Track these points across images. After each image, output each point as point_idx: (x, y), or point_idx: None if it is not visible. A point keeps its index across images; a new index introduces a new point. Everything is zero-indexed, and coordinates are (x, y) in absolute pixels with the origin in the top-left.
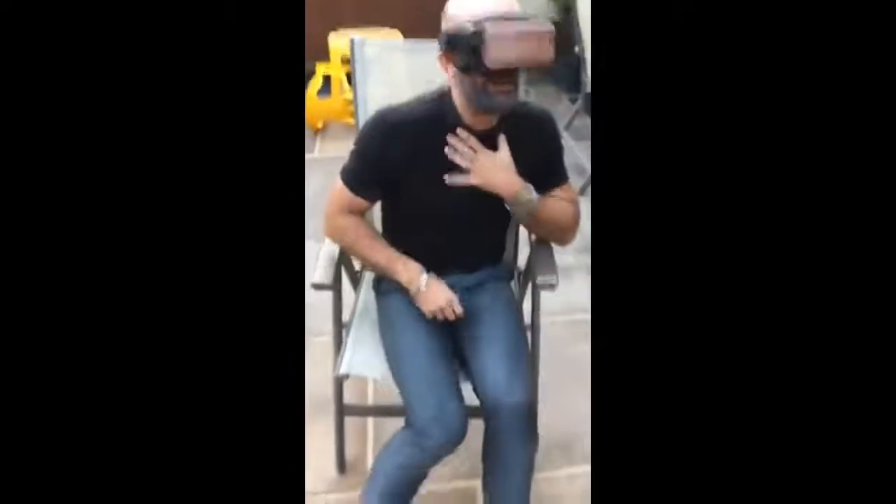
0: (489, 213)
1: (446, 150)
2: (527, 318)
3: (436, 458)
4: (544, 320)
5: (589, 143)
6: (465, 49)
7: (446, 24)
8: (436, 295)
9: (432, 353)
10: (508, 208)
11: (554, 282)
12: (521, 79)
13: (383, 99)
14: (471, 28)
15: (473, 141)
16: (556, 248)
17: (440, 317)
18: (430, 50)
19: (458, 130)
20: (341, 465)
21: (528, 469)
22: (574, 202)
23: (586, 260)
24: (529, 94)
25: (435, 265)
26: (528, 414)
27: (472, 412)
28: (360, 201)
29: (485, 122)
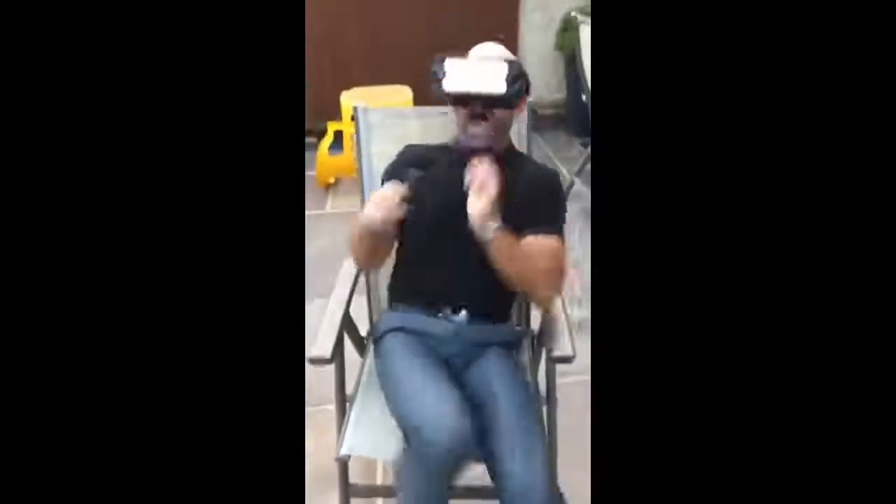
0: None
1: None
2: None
3: (445, 469)
4: (563, 380)
5: None
6: (433, 75)
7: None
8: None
9: (430, 376)
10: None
11: (570, 353)
12: (500, 125)
13: (389, 154)
14: (435, 60)
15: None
16: (569, 303)
17: (381, 212)
18: (432, 115)
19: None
20: None
21: None
22: (554, 254)
23: None
24: (541, 140)
25: (437, 297)
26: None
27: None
28: (393, 187)
29: (484, 152)
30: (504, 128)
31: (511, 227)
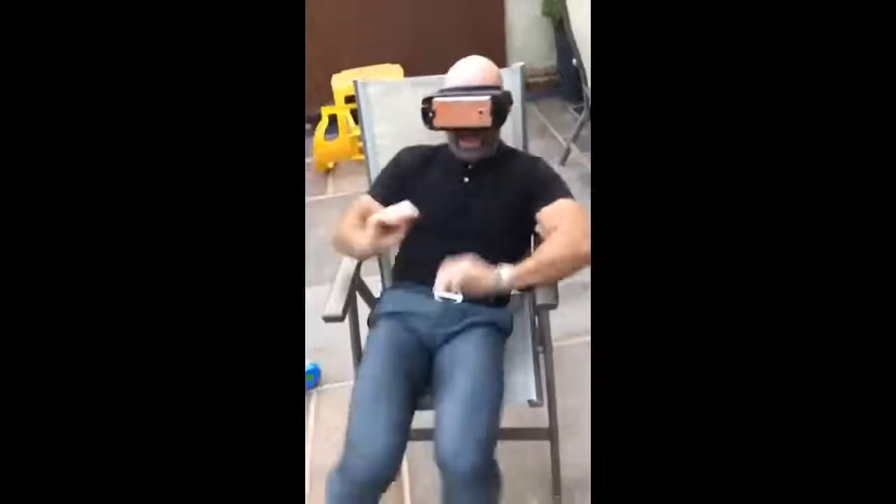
0: (486, 233)
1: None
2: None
3: (359, 492)
4: (566, 342)
5: None
6: (423, 112)
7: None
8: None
9: (381, 388)
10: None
11: (553, 301)
12: (488, 139)
13: (390, 134)
14: (426, 96)
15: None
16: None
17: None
18: (429, 84)
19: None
20: None
21: None
22: (572, 215)
23: None
24: (535, 109)
25: (430, 274)
26: (479, 475)
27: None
28: (371, 202)
29: (471, 158)
30: (493, 139)
31: (514, 211)
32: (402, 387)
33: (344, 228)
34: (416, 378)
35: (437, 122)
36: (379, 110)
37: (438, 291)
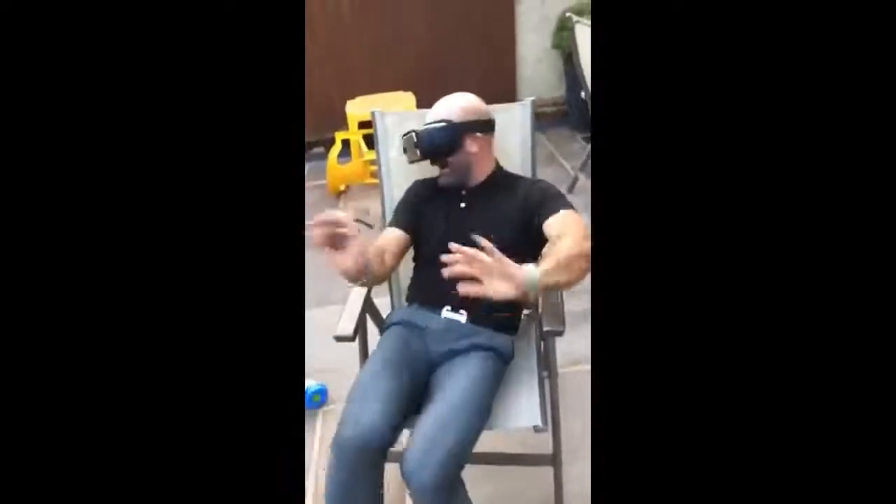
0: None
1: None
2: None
3: (351, 461)
4: (571, 368)
5: None
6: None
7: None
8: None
9: (383, 376)
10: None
11: (560, 328)
12: (462, 166)
13: (404, 160)
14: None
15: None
16: (578, 292)
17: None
18: None
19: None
20: None
21: None
22: (580, 222)
23: None
24: (544, 138)
25: (438, 298)
26: (438, 490)
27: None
28: (392, 233)
29: (460, 187)
30: (468, 166)
31: (518, 224)
32: (400, 379)
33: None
34: (416, 381)
35: (409, 158)
36: (394, 139)
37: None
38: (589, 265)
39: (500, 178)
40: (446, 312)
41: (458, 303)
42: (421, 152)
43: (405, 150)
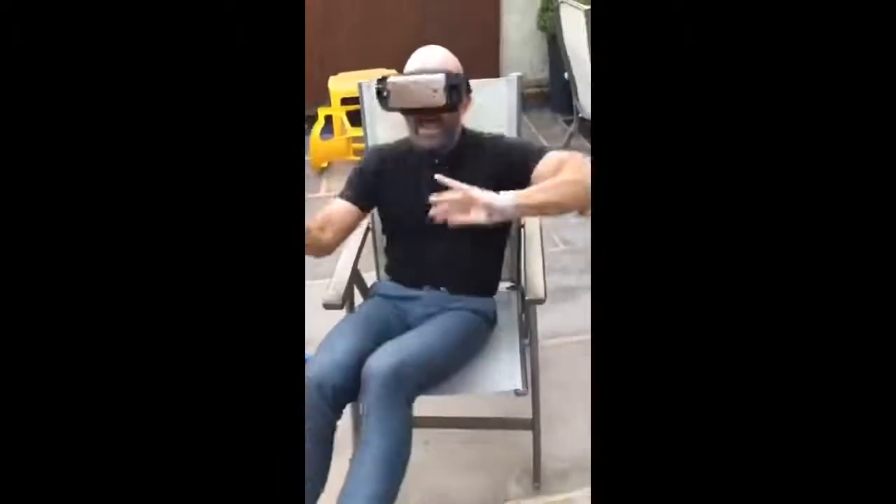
0: (465, 236)
1: (432, 197)
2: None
3: (314, 408)
4: (550, 341)
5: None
6: (377, 94)
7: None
8: None
9: (352, 324)
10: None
11: (541, 297)
12: (449, 125)
13: (391, 135)
14: (377, 80)
15: (447, 195)
16: (557, 269)
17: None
18: None
19: (437, 177)
20: None
21: (392, 435)
22: (564, 161)
23: (589, 280)
24: (526, 118)
25: (416, 279)
26: (393, 381)
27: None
28: (338, 206)
29: (439, 149)
30: (453, 126)
31: (501, 185)
32: (368, 331)
33: (317, 217)
34: (388, 336)
35: (391, 102)
36: (381, 112)
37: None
38: (583, 190)
39: (468, 140)
40: (427, 291)
41: (438, 280)
42: (447, 95)
43: (384, 95)
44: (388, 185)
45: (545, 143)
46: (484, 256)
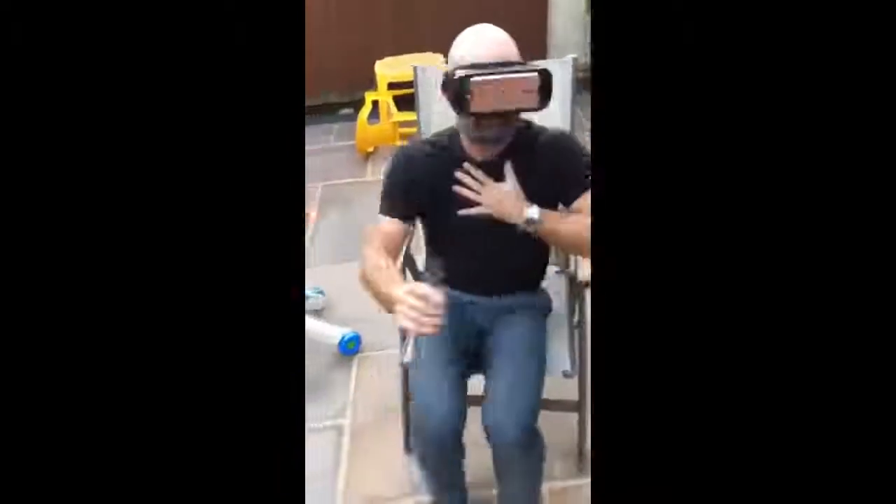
0: (508, 236)
1: (454, 186)
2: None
3: (436, 451)
4: None
5: None
6: (454, 94)
7: (448, 65)
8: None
9: (441, 357)
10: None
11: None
12: (512, 117)
13: (443, 117)
14: (459, 75)
15: (480, 174)
16: None
17: (416, 325)
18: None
19: (465, 165)
20: (407, 444)
21: (526, 494)
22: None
23: None
24: (576, 105)
25: (466, 287)
26: (524, 444)
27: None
28: (391, 226)
29: (486, 153)
30: (515, 118)
31: (545, 201)
32: (459, 356)
33: (371, 271)
34: (469, 350)
35: (475, 105)
36: (436, 95)
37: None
38: (585, 255)
39: (521, 139)
40: (478, 296)
41: (490, 287)
42: (542, 97)
43: (466, 98)
44: (428, 191)
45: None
46: (526, 256)
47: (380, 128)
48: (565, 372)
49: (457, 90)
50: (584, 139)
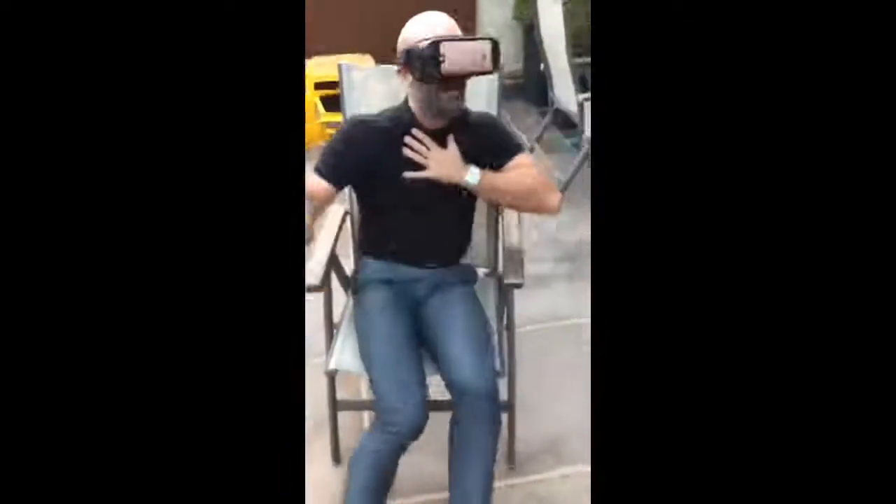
0: (447, 203)
1: (404, 149)
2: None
3: (399, 445)
4: (524, 328)
5: (559, 155)
6: (424, 61)
7: (403, 45)
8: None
9: (399, 345)
10: (467, 190)
11: (520, 280)
12: (464, 94)
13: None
14: (427, 42)
15: (427, 140)
16: (532, 258)
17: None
18: None
19: (414, 131)
20: (336, 457)
21: (491, 452)
22: (531, 167)
23: (564, 269)
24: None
25: (407, 252)
26: (493, 398)
27: (437, 405)
28: (318, 185)
29: (437, 124)
30: (465, 94)
31: (480, 166)
32: (413, 342)
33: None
34: (414, 327)
35: (447, 67)
36: (360, 94)
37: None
38: (537, 201)
39: (459, 117)
40: (426, 267)
41: (428, 255)
42: (495, 62)
43: (440, 60)
44: (373, 159)
45: (520, 134)
46: (461, 229)
47: (307, 128)
48: (497, 371)
49: (427, 56)
50: None
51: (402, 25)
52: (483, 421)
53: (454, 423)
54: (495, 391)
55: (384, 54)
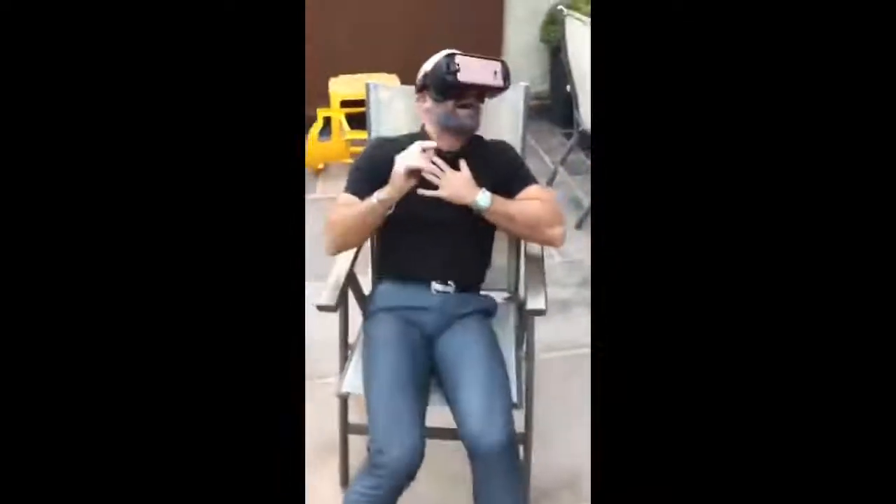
0: (465, 223)
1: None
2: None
3: (392, 488)
4: (544, 356)
5: (583, 177)
6: (441, 74)
7: (422, 73)
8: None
9: (400, 381)
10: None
11: (542, 307)
12: (479, 114)
13: (394, 134)
14: (441, 56)
15: (441, 162)
16: (553, 282)
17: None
18: None
19: (428, 148)
20: (345, 481)
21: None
22: (544, 199)
23: (585, 294)
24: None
25: (424, 272)
26: (509, 451)
27: (445, 434)
28: (352, 200)
29: (452, 146)
30: (481, 115)
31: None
32: (417, 377)
33: (342, 211)
34: (422, 363)
35: (462, 76)
36: (386, 112)
37: (425, 193)
38: (549, 234)
39: (475, 140)
40: (436, 286)
41: (445, 276)
42: (505, 79)
43: (455, 70)
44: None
45: (544, 155)
46: (480, 250)
47: (331, 145)
48: (512, 403)
49: (442, 69)
50: (535, 164)
51: (427, 46)
52: (498, 476)
53: (474, 478)
54: (510, 443)
55: (410, 75)
